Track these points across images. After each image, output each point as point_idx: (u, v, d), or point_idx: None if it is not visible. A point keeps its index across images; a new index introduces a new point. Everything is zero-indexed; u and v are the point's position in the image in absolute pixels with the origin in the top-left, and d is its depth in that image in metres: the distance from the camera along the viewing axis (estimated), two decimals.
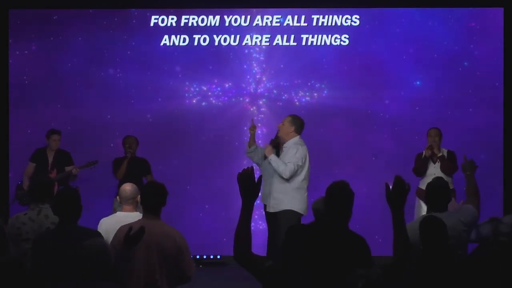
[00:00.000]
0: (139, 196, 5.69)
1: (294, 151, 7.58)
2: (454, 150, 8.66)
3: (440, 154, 8.53)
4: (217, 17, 9.62)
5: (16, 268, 4.18)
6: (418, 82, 9.67)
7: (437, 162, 8.55)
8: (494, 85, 9.60)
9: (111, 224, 5.52)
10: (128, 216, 5.48)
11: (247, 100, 9.72)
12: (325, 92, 9.67)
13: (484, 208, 7.37)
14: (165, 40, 9.65)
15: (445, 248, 4.56)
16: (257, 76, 9.72)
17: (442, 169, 8.47)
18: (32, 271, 4.65)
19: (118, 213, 6.06)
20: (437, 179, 5.45)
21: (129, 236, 4.48)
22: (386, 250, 5.47)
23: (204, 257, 9.51)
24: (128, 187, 6.03)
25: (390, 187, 3.69)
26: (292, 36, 9.65)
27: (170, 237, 4.71)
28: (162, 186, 5.01)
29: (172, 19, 9.64)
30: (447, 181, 5.85)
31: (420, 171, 8.65)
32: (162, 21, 9.65)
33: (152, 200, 4.94)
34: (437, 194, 5.24)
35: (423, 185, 8.49)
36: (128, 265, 4.51)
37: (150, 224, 4.79)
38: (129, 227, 4.56)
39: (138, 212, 5.53)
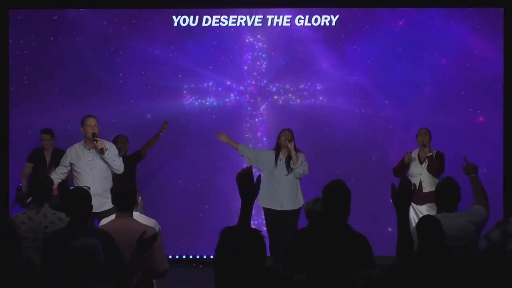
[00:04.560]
0: (140, 197, 5.70)
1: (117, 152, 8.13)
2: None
3: (430, 153, 8.42)
4: (217, 17, 9.62)
5: (26, 270, 4.17)
6: (417, 82, 9.66)
7: (424, 162, 8.40)
8: (494, 85, 9.59)
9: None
10: None
11: (247, 100, 9.72)
12: (325, 92, 9.66)
13: None
14: (165, 40, 9.65)
15: (443, 247, 4.56)
16: (257, 76, 9.71)
17: (429, 169, 8.33)
18: (41, 271, 4.64)
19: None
20: (447, 179, 5.41)
21: (142, 240, 4.49)
22: (386, 250, 5.46)
23: (204, 257, 9.51)
24: None
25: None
26: (293, 36, 9.65)
27: (138, 234, 4.72)
28: (131, 184, 5.21)
29: (172, 19, 9.64)
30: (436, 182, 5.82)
31: (398, 170, 8.46)
32: (162, 21, 9.66)
33: (122, 199, 5.04)
34: (447, 194, 5.25)
35: None
36: (139, 269, 4.54)
37: (121, 223, 4.94)
38: (143, 231, 4.61)
39: (138, 213, 5.53)
